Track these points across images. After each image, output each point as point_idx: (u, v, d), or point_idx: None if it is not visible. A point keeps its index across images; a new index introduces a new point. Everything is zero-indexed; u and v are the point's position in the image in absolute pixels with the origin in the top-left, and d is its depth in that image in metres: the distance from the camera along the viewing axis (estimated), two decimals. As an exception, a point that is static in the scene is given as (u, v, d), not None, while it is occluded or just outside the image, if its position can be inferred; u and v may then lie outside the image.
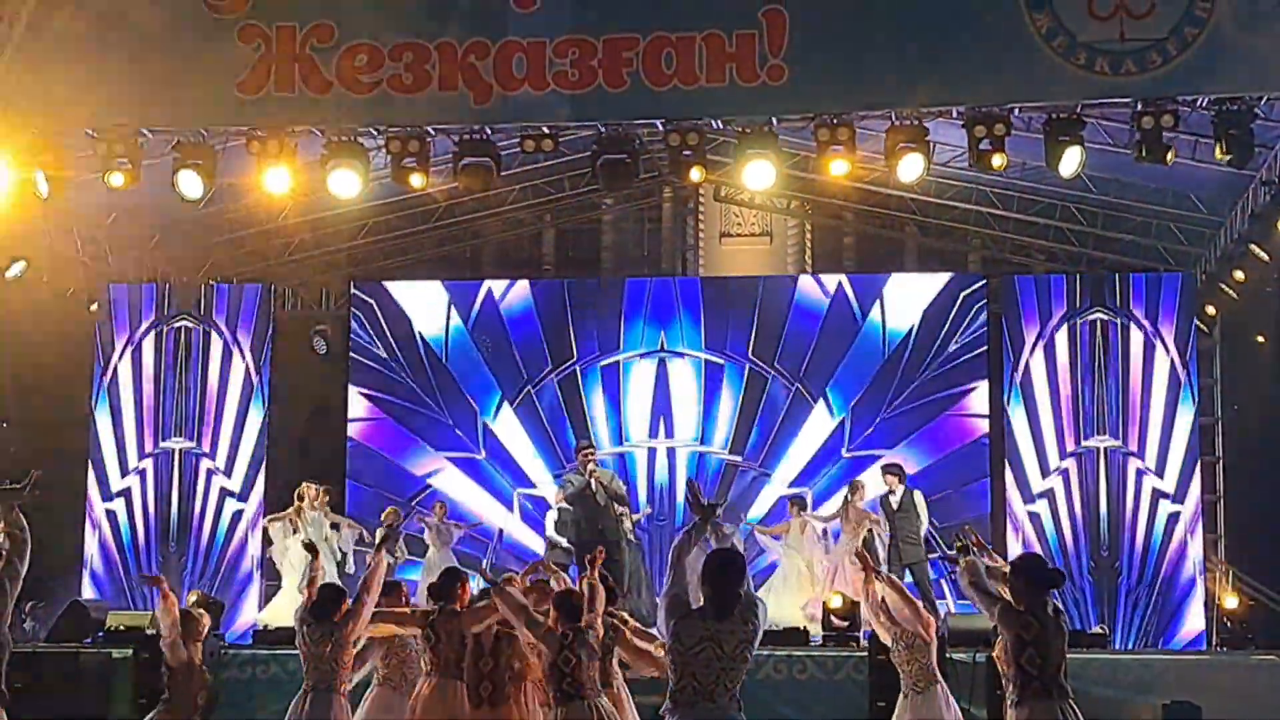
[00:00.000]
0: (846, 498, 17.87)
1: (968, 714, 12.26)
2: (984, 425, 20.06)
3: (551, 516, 18.11)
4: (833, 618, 15.66)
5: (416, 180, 15.79)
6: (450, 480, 20.77)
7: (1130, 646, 18.37)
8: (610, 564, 15.81)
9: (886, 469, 18.02)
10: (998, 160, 14.74)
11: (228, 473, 20.32)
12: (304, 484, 18.38)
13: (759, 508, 20.12)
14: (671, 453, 20.69)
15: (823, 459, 20.36)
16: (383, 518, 18.70)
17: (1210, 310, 19.84)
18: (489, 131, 15.45)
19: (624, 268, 23.00)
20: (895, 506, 17.51)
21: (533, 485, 20.69)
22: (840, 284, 20.85)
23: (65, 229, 19.14)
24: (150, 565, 20.03)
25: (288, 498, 19.17)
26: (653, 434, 20.67)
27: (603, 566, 10.45)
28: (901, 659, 10.69)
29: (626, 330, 20.94)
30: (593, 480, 16.76)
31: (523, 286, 21.38)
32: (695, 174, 15.77)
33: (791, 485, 20.24)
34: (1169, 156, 14.55)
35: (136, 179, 15.47)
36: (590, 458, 17.32)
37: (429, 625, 10.33)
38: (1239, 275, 18.27)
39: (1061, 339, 19.55)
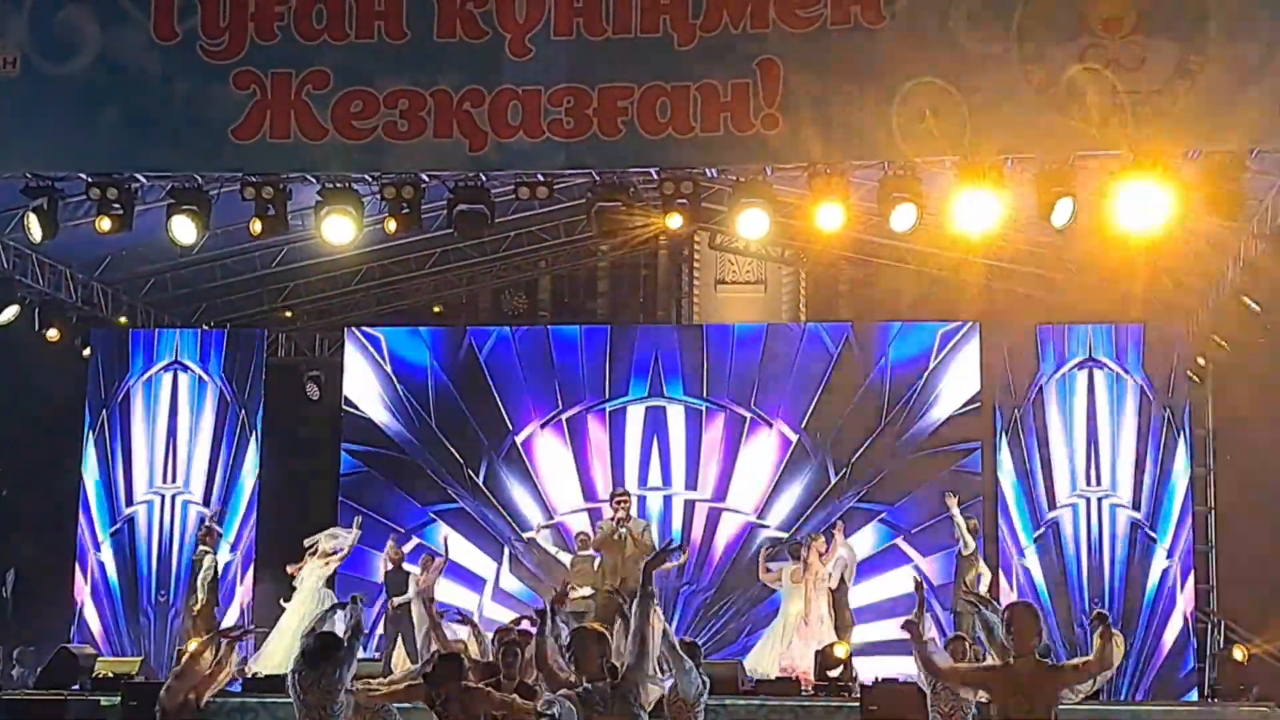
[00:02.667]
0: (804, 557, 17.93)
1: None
2: (976, 474, 20.05)
3: (568, 557, 18.20)
4: (828, 670, 15.63)
5: (411, 227, 15.83)
6: (443, 526, 20.72)
7: (1122, 697, 18.31)
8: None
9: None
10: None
11: (218, 519, 20.25)
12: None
13: (745, 553, 20.10)
14: (666, 500, 20.66)
15: (812, 506, 20.32)
16: (386, 552, 18.74)
17: (1201, 361, 19.86)
18: (484, 178, 15.47)
19: (620, 314, 23.04)
20: None
21: (529, 530, 20.66)
22: (832, 332, 20.87)
23: (58, 274, 19.17)
24: (140, 612, 19.98)
25: (279, 544, 19.23)
26: (643, 483, 20.61)
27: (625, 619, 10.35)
28: (941, 710, 10.80)
29: (621, 377, 20.92)
30: (623, 529, 16.67)
31: (518, 333, 21.38)
32: (675, 220, 15.76)
33: (778, 530, 20.24)
34: (1160, 209, 14.57)
35: (128, 224, 15.49)
36: (623, 504, 17.24)
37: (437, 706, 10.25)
38: (1231, 327, 18.31)
39: (1053, 389, 19.57)
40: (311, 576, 18.12)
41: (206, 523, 19.56)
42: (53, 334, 19.55)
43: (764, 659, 17.34)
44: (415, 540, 20.07)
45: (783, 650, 17.25)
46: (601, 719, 7.54)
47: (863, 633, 18.16)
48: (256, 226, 15.71)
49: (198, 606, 18.13)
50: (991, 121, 14.20)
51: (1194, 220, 16.43)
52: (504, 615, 18.55)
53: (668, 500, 20.66)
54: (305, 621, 17.41)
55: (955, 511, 18.06)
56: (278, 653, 17.06)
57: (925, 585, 11.60)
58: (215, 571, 18.43)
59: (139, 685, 15.22)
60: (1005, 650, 8.62)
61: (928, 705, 11.11)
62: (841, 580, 17.87)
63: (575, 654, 7.83)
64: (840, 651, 15.75)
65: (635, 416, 20.85)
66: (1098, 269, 20.09)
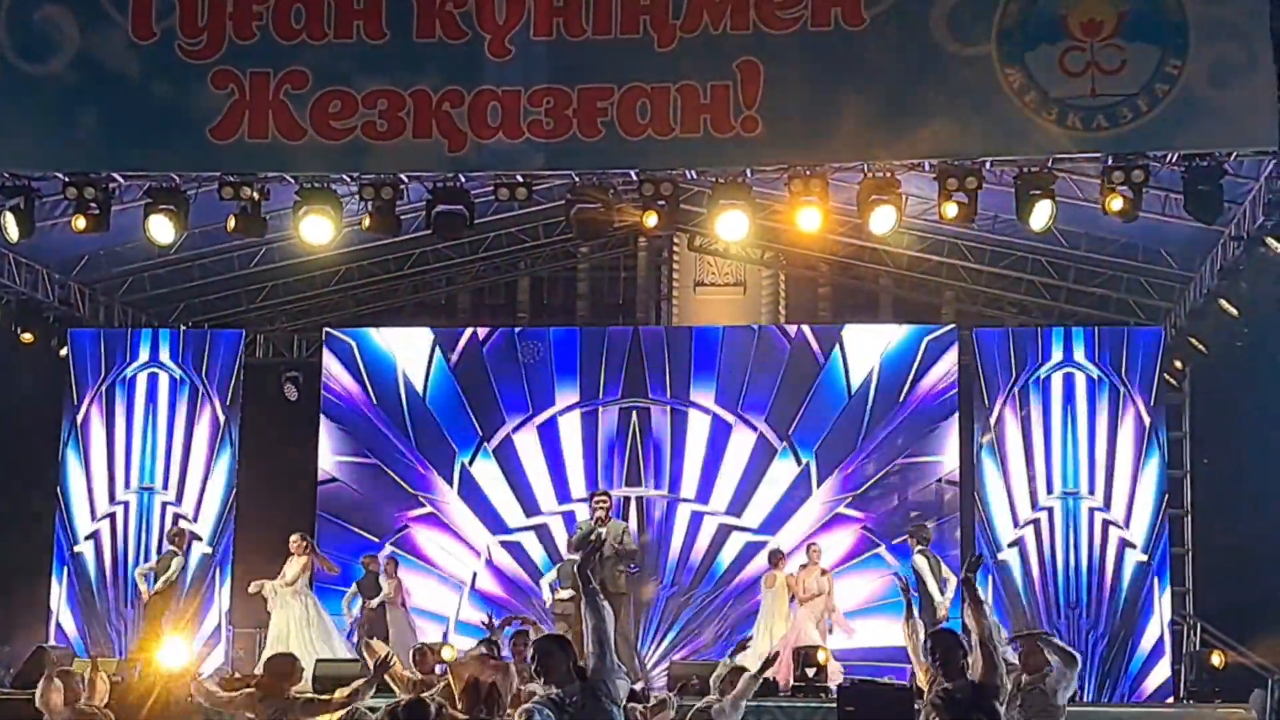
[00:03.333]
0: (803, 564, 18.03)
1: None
2: (953, 474, 20.08)
3: (550, 577, 18.28)
4: (806, 668, 15.65)
5: (389, 228, 15.81)
6: (422, 527, 20.69)
7: (1097, 698, 18.35)
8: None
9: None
10: (953, 211, 14.85)
11: (196, 519, 20.20)
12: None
13: (726, 555, 20.09)
14: (644, 501, 20.63)
15: (791, 508, 20.33)
16: (362, 561, 18.82)
17: (1179, 364, 19.91)
18: (463, 179, 15.46)
19: (599, 316, 23.02)
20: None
21: (509, 532, 20.65)
22: (810, 333, 20.85)
23: (34, 272, 19.11)
24: (117, 611, 19.93)
25: (257, 545, 19.21)
26: (621, 484, 20.58)
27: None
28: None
29: (600, 378, 20.87)
30: (598, 531, 16.67)
31: (497, 334, 21.32)
32: (651, 219, 15.73)
33: (757, 533, 20.26)
34: (1138, 212, 14.63)
35: (105, 224, 15.47)
36: (602, 505, 17.22)
37: None
38: (1208, 330, 18.36)
39: (1032, 391, 19.59)
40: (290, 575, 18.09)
41: (178, 524, 19.49)
42: (27, 337, 19.48)
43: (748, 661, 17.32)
44: (389, 547, 20.08)
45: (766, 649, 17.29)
46: None
47: (840, 637, 18.18)
48: (234, 226, 15.69)
49: (147, 600, 18.13)
50: (971, 124, 14.24)
51: (1172, 224, 16.56)
52: (481, 617, 18.60)
53: (647, 502, 20.64)
54: (294, 622, 17.54)
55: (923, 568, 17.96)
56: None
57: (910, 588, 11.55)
58: (177, 573, 18.40)
59: (116, 686, 15.15)
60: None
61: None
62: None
63: (541, 663, 7.78)
64: (820, 656, 15.76)
65: (614, 418, 20.83)
66: (1075, 271, 20.17)
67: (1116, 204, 14.49)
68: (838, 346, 20.56)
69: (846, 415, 20.41)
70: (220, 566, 20.18)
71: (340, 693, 10.48)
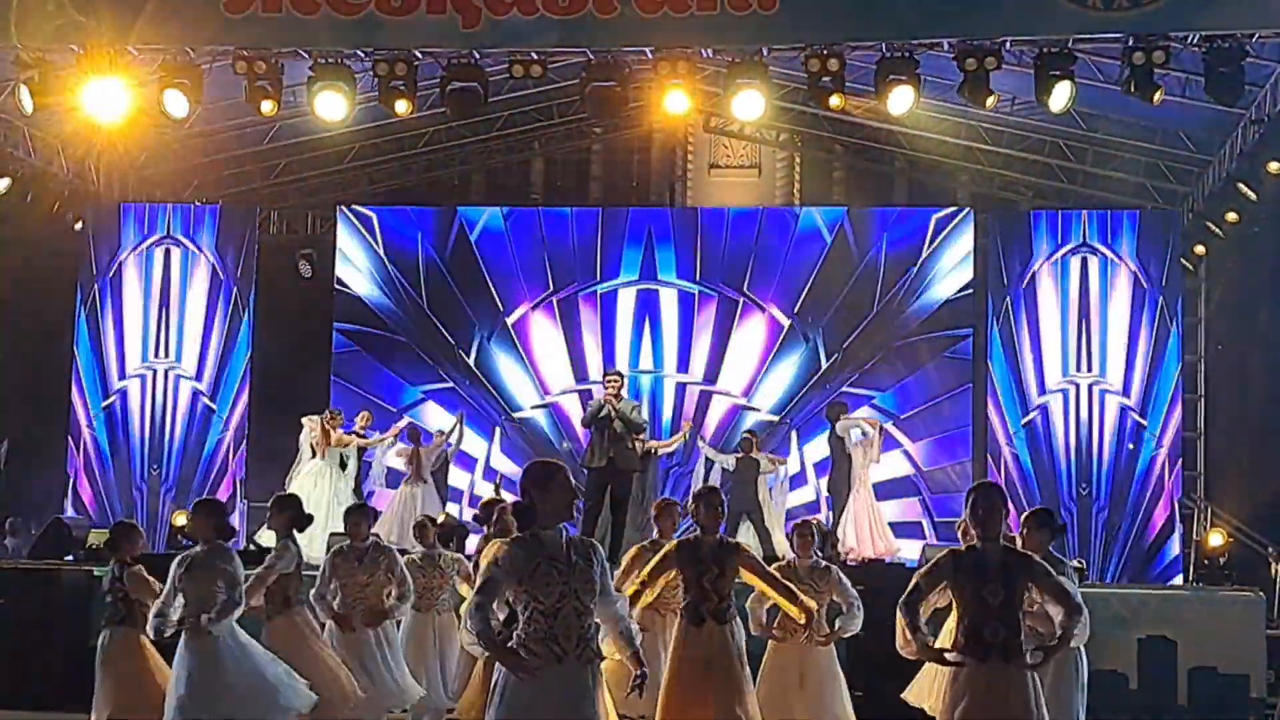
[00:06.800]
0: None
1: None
2: (968, 359, 20.10)
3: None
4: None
5: (403, 105, 15.75)
6: (435, 404, 20.79)
7: (1107, 581, 18.47)
8: (621, 497, 15.94)
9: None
10: (990, 101, 14.77)
11: (211, 394, 20.33)
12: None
13: (735, 435, 20.16)
14: (656, 381, 20.71)
15: (805, 391, 20.40)
16: (358, 420, 18.77)
17: (1198, 249, 19.85)
18: (477, 56, 15.36)
19: (613, 198, 22.95)
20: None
21: (521, 409, 20.75)
22: (827, 217, 20.83)
23: (50, 147, 19.07)
24: (133, 485, 20.08)
25: (271, 421, 19.29)
26: (637, 363, 20.67)
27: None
28: None
29: (613, 260, 20.90)
30: (609, 408, 16.74)
31: (511, 214, 21.30)
32: (680, 104, 15.58)
33: (769, 415, 20.37)
34: (1158, 94, 14.52)
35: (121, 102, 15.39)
36: (613, 384, 17.26)
37: None
38: (1227, 215, 18.28)
39: (1047, 275, 19.53)
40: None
41: None
42: (46, 207, 19.47)
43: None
44: (407, 419, 20.12)
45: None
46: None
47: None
48: (248, 100, 15.62)
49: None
50: (990, 3, 14.13)
51: (1192, 107, 16.43)
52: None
53: (658, 381, 20.72)
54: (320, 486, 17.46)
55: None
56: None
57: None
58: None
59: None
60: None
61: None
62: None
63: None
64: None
65: (627, 299, 20.85)
66: (1094, 155, 20.05)
67: (1137, 86, 14.38)
68: (849, 228, 20.54)
69: (860, 298, 20.42)
70: (234, 441, 20.29)
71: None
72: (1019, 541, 8.90)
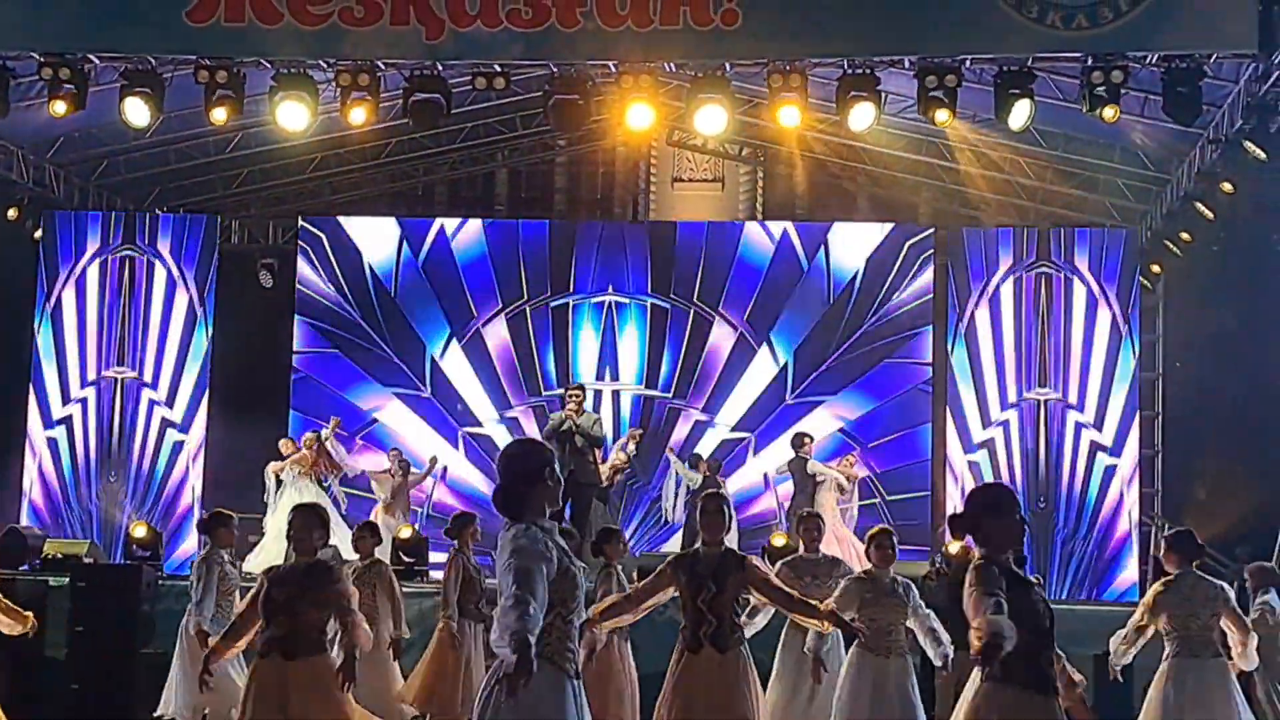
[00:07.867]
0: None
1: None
2: (927, 374, 20.18)
3: None
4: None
5: (366, 115, 15.72)
6: (395, 417, 20.75)
7: (1064, 597, 18.53)
8: (580, 511, 15.97)
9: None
10: (943, 115, 14.83)
11: (169, 404, 20.24)
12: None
13: (703, 450, 20.13)
14: (616, 395, 20.72)
15: (766, 404, 20.44)
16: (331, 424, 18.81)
17: (1155, 268, 19.96)
18: (440, 68, 15.36)
19: (576, 210, 22.97)
20: None
21: (479, 424, 20.70)
22: (789, 231, 20.89)
23: (9, 153, 18.98)
24: (90, 494, 19.97)
25: (229, 431, 19.22)
26: (598, 376, 20.67)
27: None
28: None
29: (577, 272, 20.90)
30: (570, 422, 16.73)
31: (474, 225, 21.29)
32: (642, 119, 15.62)
33: (734, 430, 20.37)
34: (1116, 113, 14.60)
35: (81, 105, 15.35)
36: (575, 398, 17.27)
37: None
38: (1184, 234, 18.39)
39: (1007, 291, 19.65)
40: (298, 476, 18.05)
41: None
42: (12, 213, 19.43)
43: None
44: (360, 440, 20.13)
45: None
46: None
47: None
48: (209, 110, 15.58)
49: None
50: (951, 21, 14.19)
51: (1151, 126, 16.54)
52: (454, 504, 18.73)
53: (618, 397, 20.72)
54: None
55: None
56: (274, 554, 16.54)
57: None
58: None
59: (89, 567, 15.26)
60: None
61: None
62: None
63: None
64: (779, 541, 15.87)
65: (590, 312, 20.86)
66: (1053, 172, 20.15)
67: (1095, 105, 14.47)
68: (813, 243, 20.61)
69: (823, 312, 20.48)
70: (192, 451, 20.20)
71: None
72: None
